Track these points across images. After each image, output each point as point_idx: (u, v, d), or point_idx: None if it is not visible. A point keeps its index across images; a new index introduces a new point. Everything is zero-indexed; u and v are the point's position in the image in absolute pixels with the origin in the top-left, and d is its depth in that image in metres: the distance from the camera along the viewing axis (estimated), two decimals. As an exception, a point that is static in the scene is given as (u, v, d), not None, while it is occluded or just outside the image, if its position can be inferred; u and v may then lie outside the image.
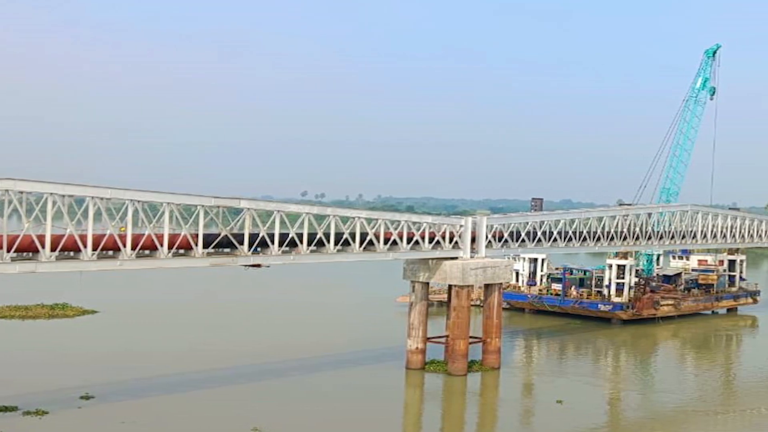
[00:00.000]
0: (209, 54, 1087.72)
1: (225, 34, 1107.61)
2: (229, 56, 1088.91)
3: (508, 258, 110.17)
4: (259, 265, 75.86)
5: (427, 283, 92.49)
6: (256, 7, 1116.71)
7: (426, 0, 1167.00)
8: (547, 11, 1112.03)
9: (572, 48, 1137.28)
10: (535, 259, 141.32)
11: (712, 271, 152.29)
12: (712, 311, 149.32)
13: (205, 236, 70.83)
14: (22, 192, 60.38)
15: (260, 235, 74.68)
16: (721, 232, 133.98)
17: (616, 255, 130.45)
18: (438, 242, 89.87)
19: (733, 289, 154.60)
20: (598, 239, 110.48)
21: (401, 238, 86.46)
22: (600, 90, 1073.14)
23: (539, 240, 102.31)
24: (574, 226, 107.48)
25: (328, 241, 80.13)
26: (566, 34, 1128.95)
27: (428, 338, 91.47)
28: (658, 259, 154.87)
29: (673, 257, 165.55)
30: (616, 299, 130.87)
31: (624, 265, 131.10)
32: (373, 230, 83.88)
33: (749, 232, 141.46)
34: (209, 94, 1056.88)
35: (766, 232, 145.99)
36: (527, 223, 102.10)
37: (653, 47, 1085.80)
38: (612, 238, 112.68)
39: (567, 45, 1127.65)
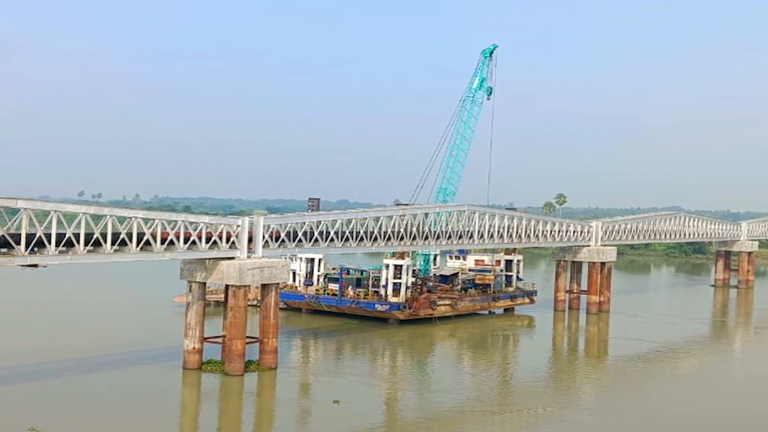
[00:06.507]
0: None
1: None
2: (1, 56, 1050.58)
3: (285, 258, 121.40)
4: (36, 265, 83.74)
5: (204, 283, 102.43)
6: (28, 6, 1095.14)
7: (198, 0, 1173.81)
8: (316, 11, 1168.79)
9: (344, 48, 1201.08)
10: (312, 259, 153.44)
11: (489, 271, 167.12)
12: (489, 311, 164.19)
13: (-18, 236, 78.47)
14: None
15: (37, 235, 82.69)
16: (498, 232, 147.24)
17: (393, 255, 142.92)
18: (215, 242, 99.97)
19: (510, 289, 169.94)
20: (375, 239, 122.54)
21: (178, 238, 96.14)
22: (373, 90, 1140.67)
23: (316, 240, 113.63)
24: (351, 226, 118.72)
25: (105, 241, 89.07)
26: (337, 34, 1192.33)
27: (205, 338, 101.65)
28: (435, 259, 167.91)
29: (450, 257, 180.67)
30: (393, 299, 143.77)
31: (401, 265, 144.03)
32: (150, 230, 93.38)
33: (526, 232, 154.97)
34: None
35: (542, 232, 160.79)
36: (304, 223, 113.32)
37: (424, 47, 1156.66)
38: (389, 238, 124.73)
39: (339, 45, 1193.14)
